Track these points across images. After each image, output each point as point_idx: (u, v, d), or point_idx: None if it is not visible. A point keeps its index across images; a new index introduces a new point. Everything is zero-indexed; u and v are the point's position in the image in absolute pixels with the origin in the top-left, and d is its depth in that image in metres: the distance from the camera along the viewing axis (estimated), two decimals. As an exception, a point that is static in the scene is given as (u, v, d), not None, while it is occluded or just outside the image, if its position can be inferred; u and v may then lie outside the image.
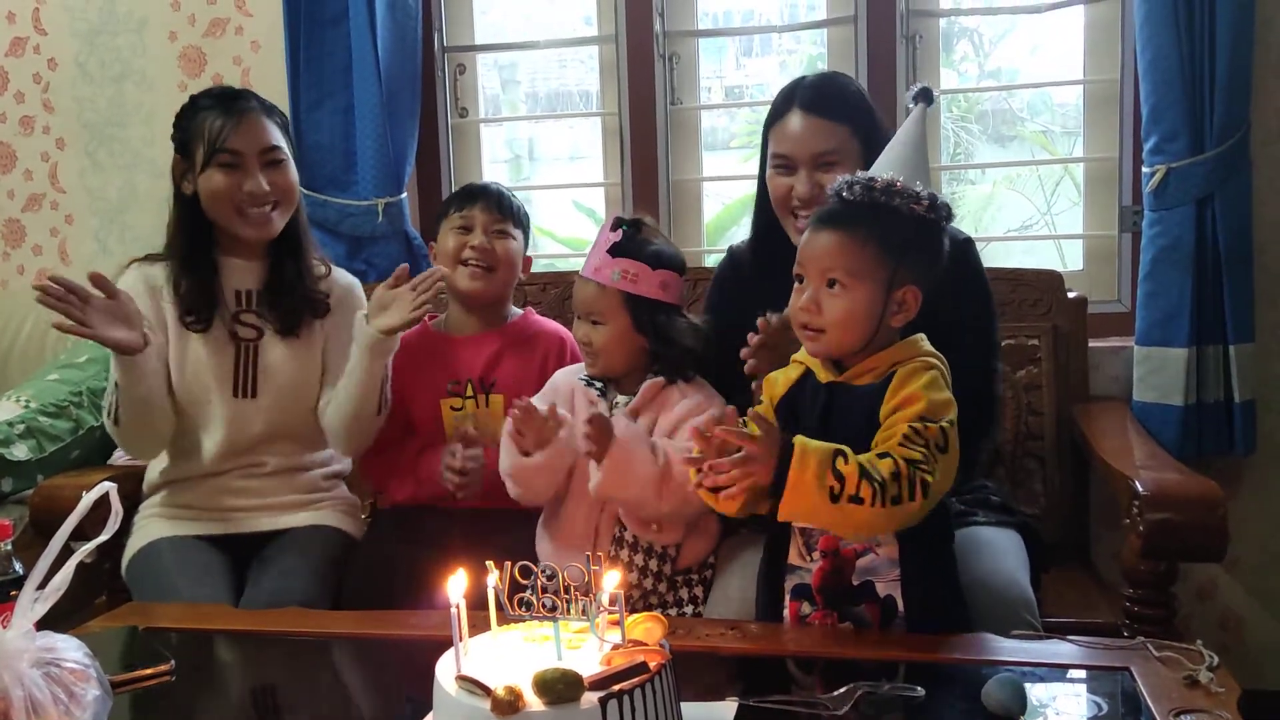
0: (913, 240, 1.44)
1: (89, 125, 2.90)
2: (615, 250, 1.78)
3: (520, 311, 2.17)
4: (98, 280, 1.83)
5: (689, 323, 1.83)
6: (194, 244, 1.99)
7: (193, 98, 2.02)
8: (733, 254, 2.00)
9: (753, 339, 1.66)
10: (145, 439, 1.99)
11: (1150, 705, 1.22)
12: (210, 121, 1.94)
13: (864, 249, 1.42)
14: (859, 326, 1.43)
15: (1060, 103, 2.79)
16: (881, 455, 1.34)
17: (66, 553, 1.21)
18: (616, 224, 1.81)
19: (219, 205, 1.96)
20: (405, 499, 2.06)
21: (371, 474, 2.17)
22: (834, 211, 1.46)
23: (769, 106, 1.87)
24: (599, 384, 1.85)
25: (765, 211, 1.88)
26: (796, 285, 1.47)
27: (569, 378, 1.90)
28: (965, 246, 1.81)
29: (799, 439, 1.34)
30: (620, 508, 1.76)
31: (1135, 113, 2.35)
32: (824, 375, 1.48)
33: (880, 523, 1.35)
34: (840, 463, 1.32)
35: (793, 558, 1.49)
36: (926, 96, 1.62)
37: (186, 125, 1.98)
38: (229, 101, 1.97)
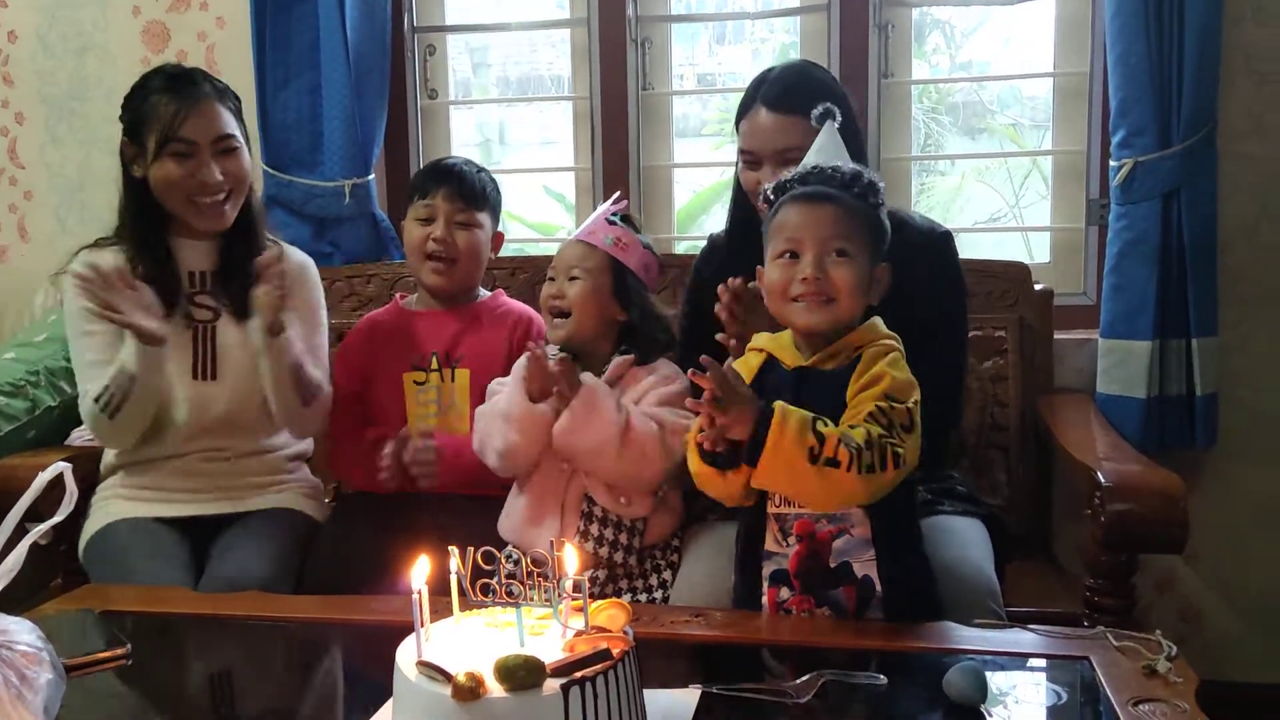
0: (878, 219, 1.50)
1: (49, 100, 2.84)
2: (613, 220, 1.87)
3: (489, 293, 2.16)
4: (121, 274, 1.86)
5: (661, 311, 1.91)
6: (148, 227, 1.96)
7: (144, 77, 1.97)
8: (712, 242, 2.02)
9: (721, 307, 1.67)
10: (134, 430, 1.94)
11: (1109, 694, 1.23)
12: (163, 107, 1.90)
13: (855, 220, 1.47)
14: (862, 296, 1.47)
15: (1030, 95, 2.81)
16: (852, 427, 1.37)
17: (21, 534, 1.19)
18: (620, 197, 1.93)
19: (172, 195, 1.93)
20: (368, 486, 2.04)
21: (333, 465, 2.16)
22: (824, 191, 1.48)
23: (741, 96, 1.87)
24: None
25: (741, 201, 1.89)
26: (786, 260, 1.47)
27: None
28: (946, 241, 1.83)
29: (779, 403, 1.36)
30: (581, 465, 1.77)
31: (1104, 107, 2.36)
32: (792, 361, 1.49)
33: (856, 489, 1.36)
34: (820, 425, 1.35)
35: (769, 544, 1.49)
36: (831, 115, 1.59)
37: (137, 107, 1.94)
38: (182, 86, 1.92)
